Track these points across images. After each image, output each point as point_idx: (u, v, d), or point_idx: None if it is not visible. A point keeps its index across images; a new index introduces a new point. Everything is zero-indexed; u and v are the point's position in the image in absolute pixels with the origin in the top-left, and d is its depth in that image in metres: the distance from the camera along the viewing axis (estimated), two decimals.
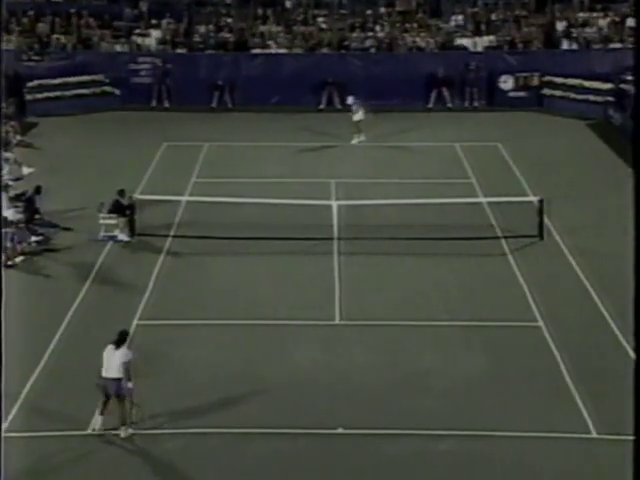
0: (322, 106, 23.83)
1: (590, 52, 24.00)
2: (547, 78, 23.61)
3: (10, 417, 9.69)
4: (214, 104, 23.81)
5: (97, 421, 9.68)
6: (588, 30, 24.73)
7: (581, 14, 25.32)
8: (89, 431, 9.65)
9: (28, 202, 15.35)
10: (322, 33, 25.24)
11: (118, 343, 9.70)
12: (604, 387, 10.44)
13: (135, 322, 12.17)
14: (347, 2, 26.01)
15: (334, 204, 15.55)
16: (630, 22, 23.31)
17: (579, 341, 11.74)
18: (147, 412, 9.90)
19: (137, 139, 20.97)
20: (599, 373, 10.87)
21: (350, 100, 20.79)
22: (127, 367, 9.59)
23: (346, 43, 24.87)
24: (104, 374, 9.63)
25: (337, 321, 12.36)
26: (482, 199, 16.60)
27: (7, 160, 17.11)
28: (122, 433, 9.59)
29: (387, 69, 23.83)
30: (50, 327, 11.97)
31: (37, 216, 15.31)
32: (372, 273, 13.88)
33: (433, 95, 23.82)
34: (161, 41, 24.89)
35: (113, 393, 9.58)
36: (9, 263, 13.66)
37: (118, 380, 9.55)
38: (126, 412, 9.58)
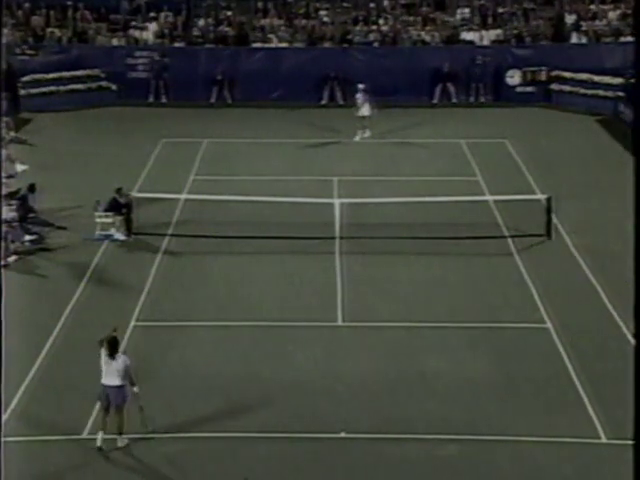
0: (324, 101, 23.60)
1: (600, 46, 23.81)
2: (556, 73, 23.42)
3: (3, 420, 9.41)
4: (213, 100, 23.61)
5: (99, 439, 9.34)
6: (598, 23, 24.45)
7: (591, 6, 25.00)
8: (84, 435, 9.48)
9: (22, 200, 15.09)
10: (324, 27, 24.98)
11: (112, 353, 9.35)
12: (613, 391, 10.29)
13: (132, 323, 12.09)
14: None
15: (336, 202, 15.35)
16: None
17: (588, 343, 11.63)
18: (145, 415, 9.69)
19: (134, 135, 20.83)
20: (608, 376, 10.73)
21: (360, 87, 20.30)
22: (129, 372, 9.30)
23: (349, 37, 24.64)
24: (104, 381, 9.34)
25: (339, 322, 12.25)
26: (488, 197, 16.47)
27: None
28: (119, 442, 9.39)
29: (391, 63, 23.61)
30: (45, 329, 11.83)
31: (31, 215, 15.04)
32: (375, 273, 13.72)
33: (438, 90, 23.56)
34: (159, 35, 24.60)
35: (114, 403, 9.28)
36: (2, 263, 13.35)
37: (120, 387, 9.27)
38: (123, 421, 9.36)
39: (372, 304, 12.66)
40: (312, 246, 14.41)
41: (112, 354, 9.30)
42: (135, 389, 9.36)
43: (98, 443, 9.30)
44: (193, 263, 14.07)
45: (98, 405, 9.56)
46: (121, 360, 9.30)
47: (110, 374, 9.24)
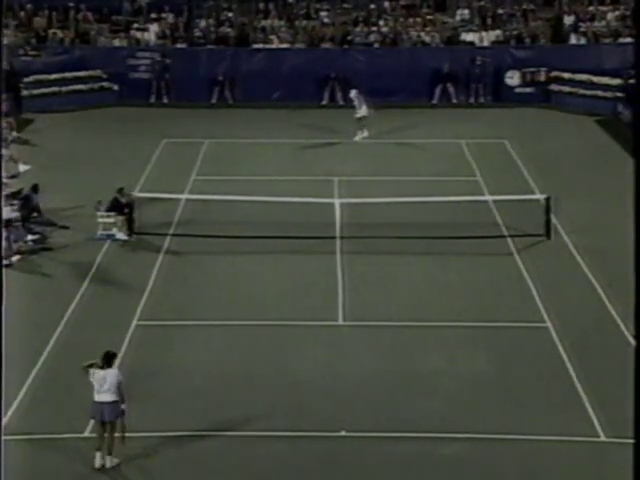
0: (324, 102, 23.64)
1: (599, 47, 23.85)
2: (555, 73, 23.44)
3: (7, 418, 9.52)
4: (214, 100, 23.66)
5: (97, 459, 9.07)
6: (597, 24, 24.48)
7: (590, 8, 25.05)
8: (86, 434, 9.48)
9: (25, 200, 15.14)
10: (325, 27, 25.03)
11: (105, 365, 9.11)
12: (612, 389, 10.31)
13: (134, 322, 12.10)
14: None
15: (337, 202, 15.39)
16: None
17: (587, 342, 11.65)
18: (146, 414, 9.75)
19: (136, 136, 20.82)
20: (607, 375, 10.75)
21: (352, 94, 20.56)
22: (121, 388, 9.08)
23: (349, 38, 24.68)
24: (97, 398, 9.07)
25: (340, 322, 12.27)
26: (488, 197, 16.49)
27: (2, 157, 16.86)
28: (108, 463, 9.08)
29: (391, 64, 23.65)
30: (47, 328, 11.84)
31: (34, 214, 15.11)
32: (375, 273, 13.75)
33: (438, 91, 23.61)
34: (160, 35, 24.64)
35: (109, 420, 9.04)
36: (5, 262, 13.39)
37: (115, 403, 9.05)
38: (113, 441, 9.06)
39: (373, 303, 12.67)
40: (313, 246, 14.43)
41: (105, 366, 9.03)
42: (123, 406, 9.07)
43: (97, 464, 9.01)
44: (194, 263, 14.09)
45: (92, 423, 9.33)
46: (114, 375, 9.04)
47: (103, 391, 8.99)
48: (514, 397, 10.40)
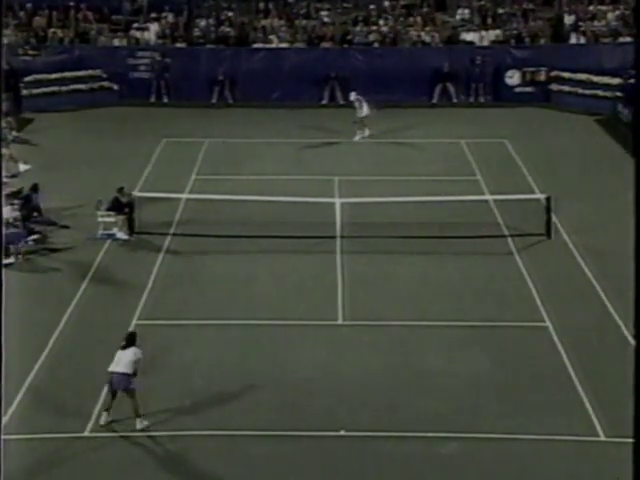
0: (324, 101, 23.66)
1: (599, 46, 23.88)
2: (555, 73, 23.46)
3: (7, 417, 9.55)
4: (214, 99, 23.67)
5: (103, 417, 9.76)
6: (597, 24, 24.49)
7: (590, 7, 25.05)
8: (86, 433, 9.55)
9: (25, 200, 15.14)
10: (325, 27, 25.02)
11: (126, 345, 9.83)
12: (612, 389, 10.34)
13: (134, 322, 12.12)
14: None
15: (337, 202, 15.41)
16: None
17: (587, 342, 11.68)
18: (147, 413, 9.83)
19: (136, 135, 20.84)
20: (607, 374, 10.78)
21: (352, 96, 20.57)
22: (137, 365, 9.73)
23: (349, 37, 24.68)
24: (112, 369, 9.74)
25: (340, 321, 12.30)
26: (488, 197, 16.50)
27: (2, 156, 16.86)
28: (138, 424, 9.69)
29: (391, 64, 23.65)
30: (47, 327, 11.89)
31: (35, 214, 15.12)
32: (375, 272, 13.77)
33: (438, 90, 23.61)
34: (160, 35, 24.65)
35: (121, 388, 9.69)
36: (5, 262, 13.40)
37: (126, 375, 9.66)
38: (137, 405, 9.69)
39: (372, 303, 12.70)
40: (313, 245, 14.45)
41: (124, 346, 9.77)
42: (134, 379, 9.66)
43: (102, 422, 9.63)
44: (195, 262, 14.11)
45: (106, 389, 9.94)
46: (131, 352, 9.70)
47: (117, 362, 9.69)
48: (514, 397, 10.43)
